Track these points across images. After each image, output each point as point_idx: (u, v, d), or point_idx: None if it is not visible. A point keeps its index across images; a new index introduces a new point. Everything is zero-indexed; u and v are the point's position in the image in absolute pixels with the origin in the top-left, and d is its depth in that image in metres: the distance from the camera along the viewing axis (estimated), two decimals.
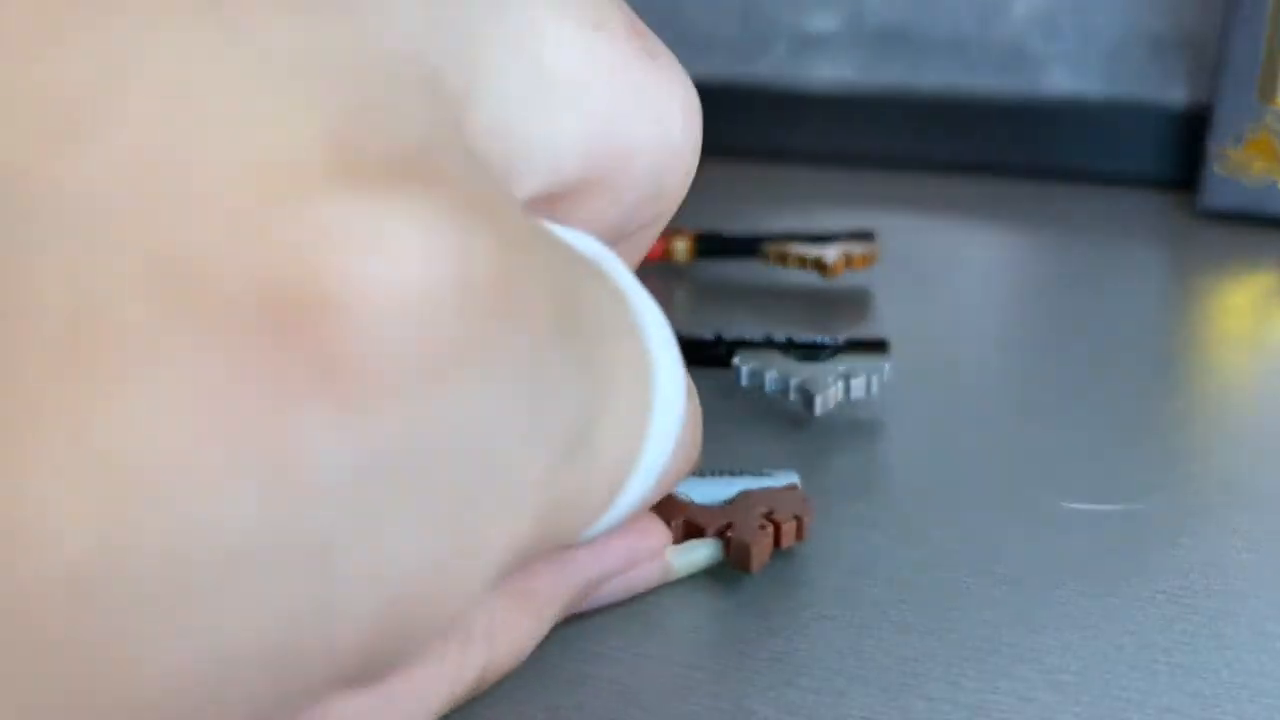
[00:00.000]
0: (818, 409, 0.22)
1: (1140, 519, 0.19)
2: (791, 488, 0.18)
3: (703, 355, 0.24)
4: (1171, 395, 0.25)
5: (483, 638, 0.13)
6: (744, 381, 0.23)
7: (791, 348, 0.24)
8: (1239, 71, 0.40)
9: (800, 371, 0.23)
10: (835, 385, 0.22)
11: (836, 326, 0.29)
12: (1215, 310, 0.32)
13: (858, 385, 0.22)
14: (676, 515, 0.17)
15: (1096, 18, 0.47)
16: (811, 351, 0.23)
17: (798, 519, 0.17)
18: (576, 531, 0.13)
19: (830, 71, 0.51)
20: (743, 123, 0.52)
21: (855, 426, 0.23)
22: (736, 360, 0.23)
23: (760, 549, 0.17)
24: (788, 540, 0.17)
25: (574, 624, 0.16)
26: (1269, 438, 0.23)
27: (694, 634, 0.16)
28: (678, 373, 0.13)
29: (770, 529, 0.17)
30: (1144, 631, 0.16)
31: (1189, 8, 0.45)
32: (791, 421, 0.23)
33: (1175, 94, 0.46)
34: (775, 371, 0.23)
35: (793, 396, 0.22)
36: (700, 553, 0.17)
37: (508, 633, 0.14)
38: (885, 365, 0.23)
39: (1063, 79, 0.48)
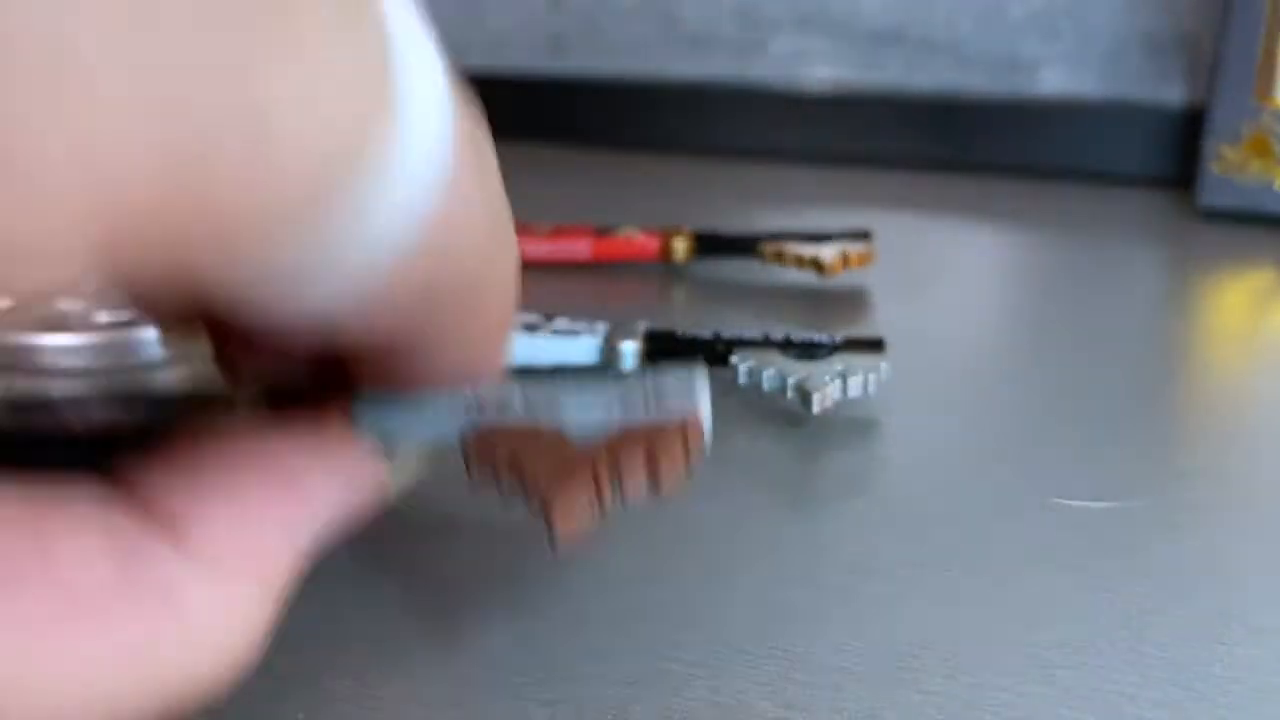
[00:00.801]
0: (815, 407, 0.22)
1: (1135, 515, 0.19)
2: (684, 420, 0.14)
3: (701, 353, 0.24)
4: (1168, 392, 0.25)
5: (163, 599, 0.10)
6: (742, 380, 0.23)
7: (789, 346, 0.24)
8: (1236, 71, 0.40)
9: (798, 370, 0.23)
10: (832, 384, 0.22)
11: (834, 325, 0.29)
12: (1212, 308, 0.32)
13: (855, 384, 0.22)
14: (540, 448, 0.14)
15: (1093, 18, 0.47)
16: (809, 350, 0.24)
17: (653, 472, 0.14)
18: (252, 222, 0.09)
19: (827, 72, 0.51)
20: (741, 123, 0.52)
21: (853, 424, 0.23)
22: (735, 359, 0.23)
23: (570, 520, 0.13)
24: (633, 492, 0.14)
25: (572, 615, 0.16)
26: (1264, 433, 0.23)
27: (692, 630, 0.16)
28: (437, 78, 0.11)
29: (598, 499, 0.14)
30: (1137, 625, 0.16)
31: (1186, 8, 0.46)
32: (789, 419, 0.23)
33: (1172, 94, 0.47)
34: (773, 370, 0.23)
35: (790, 395, 0.22)
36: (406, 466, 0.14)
37: (216, 606, 0.11)
38: (882, 364, 0.23)
39: (1060, 79, 0.48)
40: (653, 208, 0.42)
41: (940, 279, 0.34)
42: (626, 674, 0.15)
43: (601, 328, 0.25)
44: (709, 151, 0.52)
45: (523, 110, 0.55)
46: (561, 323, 0.25)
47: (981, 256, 0.37)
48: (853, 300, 0.31)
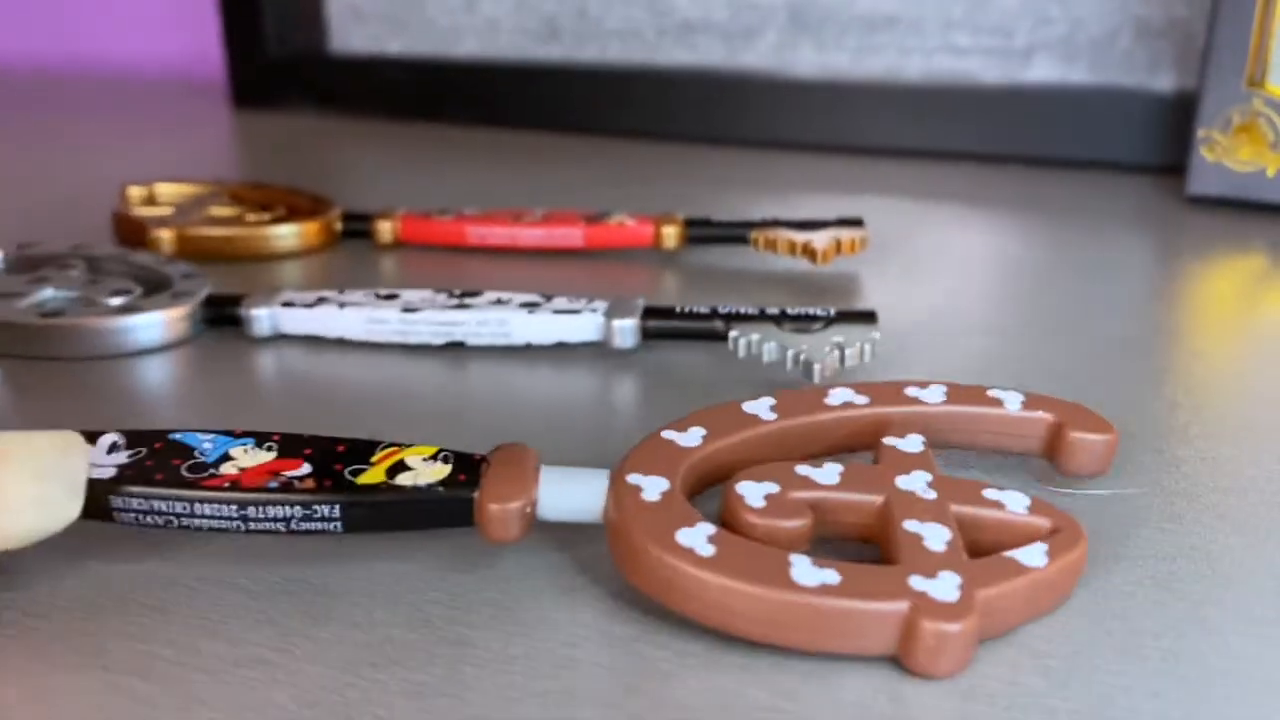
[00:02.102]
0: (817, 377, 0.23)
1: (1127, 503, 0.19)
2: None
3: (699, 329, 0.25)
4: (1159, 380, 0.25)
5: None
6: (741, 354, 0.24)
7: (785, 319, 0.24)
8: (1226, 57, 0.40)
9: (797, 342, 0.24)
10: (832, 354, 0.23)
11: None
12: (1202, 295, 0.32)
13: (852, 353, 0.23)
14: None
15: (1084, 4, 0.47)
16: (804, 323, 0.24)
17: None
18: None
19: (819, 58, 0.51)
20: (732, 110, 0.51)
21: None
22: (734, 333, 0.24)
23: None
24: None
25: (560, 612, 0.16)
26: (1256, 422, 0.23)
27: (686, 619, 0.16)
28: None
29: None
30: (1131, 616, 0.16)
31: None
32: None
33: (1163, 80, 0.46)
34: (774, 343, 0.24)
35: (790, 366, 0.23)
36: None
37: None
38: (875, 334, 0.24)
39: (1051, 66, 0.48)
40: (646, 194, 0.42)
41: (932, 265, 0.34)
42: (614, 663, 0.15)
43: (601, 305, 0.26)
44: (701, 138, 0.52)
45: (517, 97, 0.55)
46: (560, 302, 0.26)
47: (972, 243, 0.37)
48: (844, 287, 0.31)
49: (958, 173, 0.46)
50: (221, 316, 0.27)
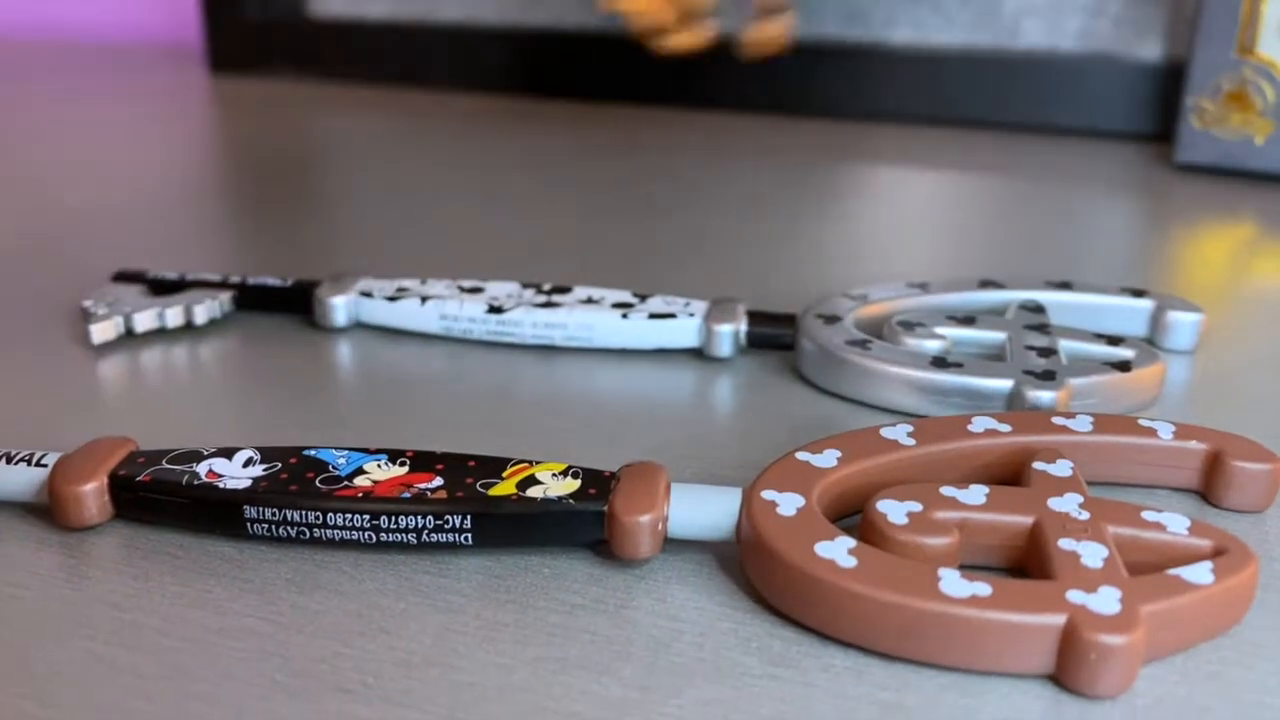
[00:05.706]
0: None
1: None
2: None
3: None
4: None
5: None
6: None
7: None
8: (1216, 24, 0.39)
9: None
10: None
11: (819, 275, 0.29)
12: (1191, 263, 0.32)
13: None
14: None
15: None
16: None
17: None
18: None
19: (807, 28, 0.51)
20: (721, 76, 0.51)
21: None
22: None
23: None
24: None
25: (553, 584, 0.16)
26: (1245, 388, 0.23)
27: (680, 587, 0.16)
28: None
29: None
30: None
31: None
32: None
33: (1152, 47, 0.46)
34: None
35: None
36: None
37: None
38: None
39: (1039, 32, 0.48)
40: (629, 160, 0.42)
41: (921, 232, 0.34)
42: (611, 631, 0.15)
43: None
44: (690, 105, 0.51)
45: (499, 61, 0.54)
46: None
47: (961, 210, 0.37)
48: (838, 252, 0.31)
49: (946, 139, 0.46)
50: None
